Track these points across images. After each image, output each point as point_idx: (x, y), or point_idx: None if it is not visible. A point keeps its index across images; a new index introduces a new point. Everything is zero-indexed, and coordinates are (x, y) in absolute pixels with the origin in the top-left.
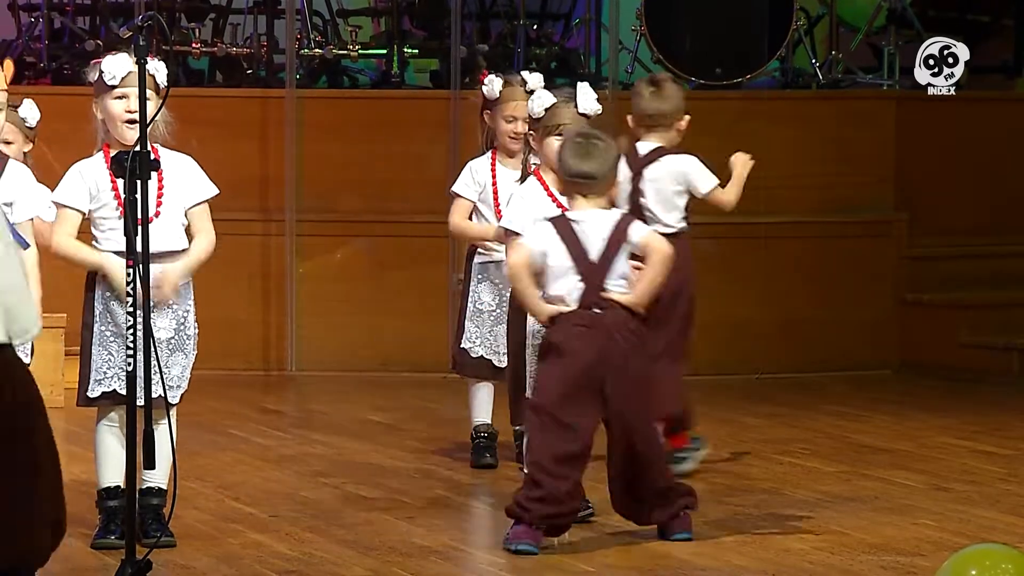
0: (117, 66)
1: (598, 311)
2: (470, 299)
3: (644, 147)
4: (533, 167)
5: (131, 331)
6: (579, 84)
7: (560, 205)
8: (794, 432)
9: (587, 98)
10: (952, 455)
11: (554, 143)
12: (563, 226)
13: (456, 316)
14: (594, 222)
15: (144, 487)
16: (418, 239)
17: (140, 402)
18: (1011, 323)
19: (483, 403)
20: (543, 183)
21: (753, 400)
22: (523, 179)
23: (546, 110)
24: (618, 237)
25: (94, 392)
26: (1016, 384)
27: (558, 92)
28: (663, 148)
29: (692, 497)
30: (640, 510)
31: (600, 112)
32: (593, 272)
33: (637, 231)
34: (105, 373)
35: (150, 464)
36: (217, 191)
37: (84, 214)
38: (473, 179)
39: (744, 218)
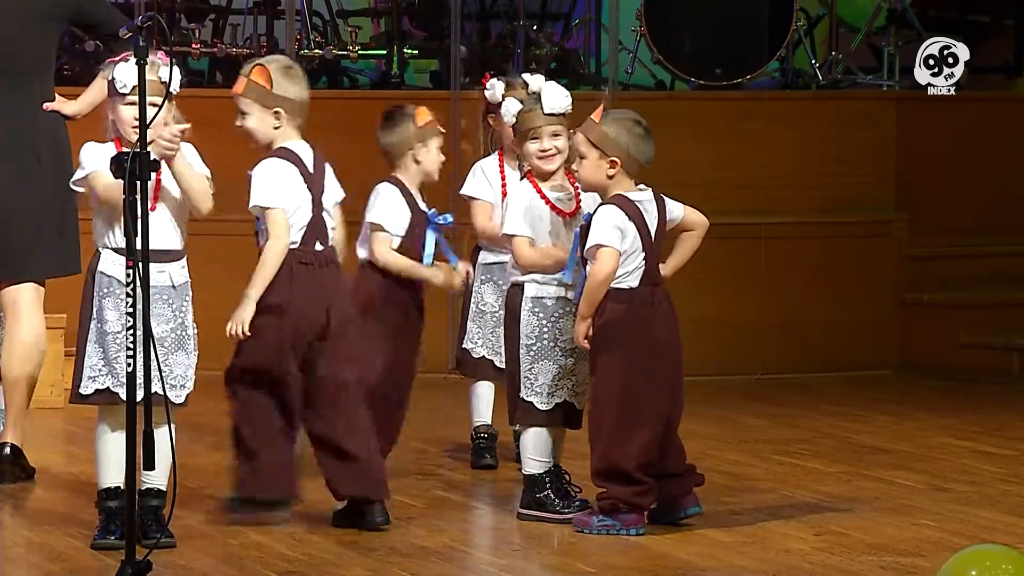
0: (129, 75)
1: (655, 287)
2: (473, 299)
3: None
4: (527, 169)
5: (130, 331)
6: (544, 84)
7: (552, 206)
8: (794, 432)
9: (553, 96)
10: (952, 455)
11: (531, 147)
12: (632, 209)
13: (456, 316)
14: (650, 202)
15: (143, 488)
16: None
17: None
18: (1011, 323)
19: (484, 404)
20: (535, 184)
21: (753, 400)
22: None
23: (516, 117)
24: (664, 216)
25: (87, 389)
26: (1016, 384)
27: (527, 96)
28: None
29: (700, 474)
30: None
31: (571, 107)
32: (654, 251)
33: (674, 206)
34: (100, 371)
35: (150, 465)
36: (208, 172)
37: None
38: (487, 180)
39: (744, 218)
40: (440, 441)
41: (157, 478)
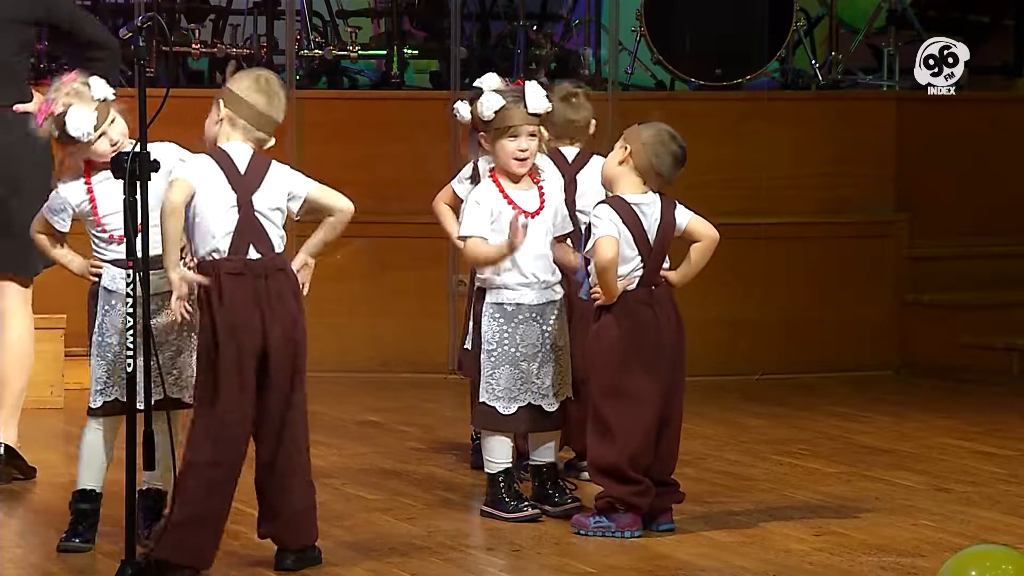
0: (84, 121)
1: (654, 288)
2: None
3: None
4: (489, 169)
5: (130, 331)
6: (527, 83)
7: (516, 206)
8: (794, 432)
9: (536, 97)
10: (952, 456)
11: (510, 146)
12: (625, 210)
13: (456, 317)
14: (650, 205)
15: (143, 488)
16: (418, 239)
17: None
18: (1011, 323)
19: None
20: (498, 185)
21: (753, 400)
22: (475, 181)
23: (495, 112)
24: (669, 220)
25: (95, 402)
26: (1016, 384)
27: (506, 92)
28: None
29: (681, 492)
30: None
31: (550, 109)
32: (652, 253)
33: (683, 214)
34: (106, 383)
35: (150, 465)
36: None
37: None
38: (471, 176)
39: (744, 218)
40: (440, 441)
41: (157, 478)
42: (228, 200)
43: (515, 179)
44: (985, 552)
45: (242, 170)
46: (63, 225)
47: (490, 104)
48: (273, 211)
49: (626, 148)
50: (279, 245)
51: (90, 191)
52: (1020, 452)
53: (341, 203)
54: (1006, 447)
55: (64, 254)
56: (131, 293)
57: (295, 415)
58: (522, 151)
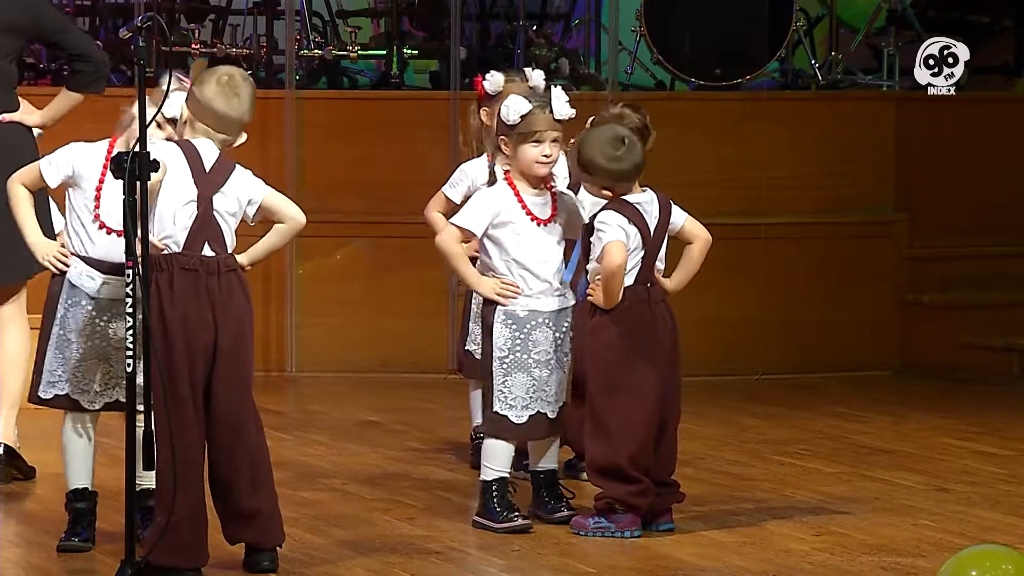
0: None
1: (650, 285)
2: (473, 301)
3: None
4: (505, 172)
5: (130, 331)
6: (553, 89)
7: (529, 211)
8: (794, 432)
9: (563, 103)
10: (952, 456)
11: (533, 151)
12: (631, 211)
13: (455, 317)
14: (650, 203)
15: (142, 488)
16: (418, 240)
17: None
18: (1011, 323)
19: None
20: (513, 187)
21: (753, 400)
22: (491, 182)
23: (522, 117)
24: (666, 218)
25: (46, 394)
26: (1016, 385)
27: (532, 97)
28: None
29: (681, 492)
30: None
31: (573, 116)
32: (652, 249)
33: (679, 214)
34: (59, 376)
35: (149, 465)
36: None
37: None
38: (466, 180)
39: (744, 218)
40: (440, 441)
41: (147, 479)
42: (188, 194)
43: (533, 184)
44: (985, 552)
45: (207, 167)
46: (53, 179)
47: (517, 108)
48: (231, 214)
49: (603, 191)
50: (231, 245)
51: (103, 175)
52: (1020, 452)
53: (293, 212)
54: (1006, 447)
55: (32, 223)
56: (131, 294)
57: (251, 413)
58: (546, 156)
